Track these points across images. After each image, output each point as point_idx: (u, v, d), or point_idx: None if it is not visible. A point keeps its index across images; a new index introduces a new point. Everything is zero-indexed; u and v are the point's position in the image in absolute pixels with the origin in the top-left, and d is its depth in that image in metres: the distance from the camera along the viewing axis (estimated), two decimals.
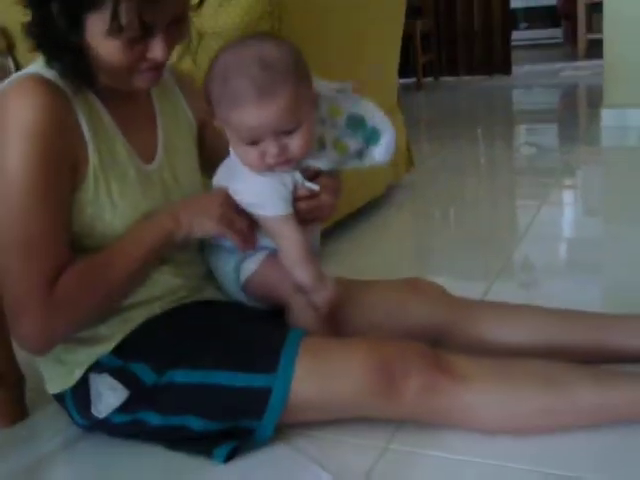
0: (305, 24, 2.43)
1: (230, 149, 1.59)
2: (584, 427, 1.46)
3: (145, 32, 1.38)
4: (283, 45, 1.51)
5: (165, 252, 1.56)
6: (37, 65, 1.47)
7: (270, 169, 1.52)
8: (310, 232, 1.64)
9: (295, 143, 1.50)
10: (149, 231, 1.52)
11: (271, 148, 1.49)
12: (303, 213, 1.57)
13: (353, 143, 1.61)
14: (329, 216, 1.66)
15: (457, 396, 1.44)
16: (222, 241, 1.60)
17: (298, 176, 1.55)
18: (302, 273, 1.55)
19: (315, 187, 1.57)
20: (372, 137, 1.62)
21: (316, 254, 1.69)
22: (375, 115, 1.62)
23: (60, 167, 1.43)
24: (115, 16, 1.32)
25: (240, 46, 1.50)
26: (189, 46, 1.64)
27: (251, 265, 1.63)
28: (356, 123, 1.61)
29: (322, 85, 1.58)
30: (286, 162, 1.51)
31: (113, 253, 1.49)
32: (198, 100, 1.73)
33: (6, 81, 1.46)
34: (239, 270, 1.63)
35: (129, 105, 1.58)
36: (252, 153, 1.50)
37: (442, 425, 1.50)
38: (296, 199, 1.56)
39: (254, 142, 1.49)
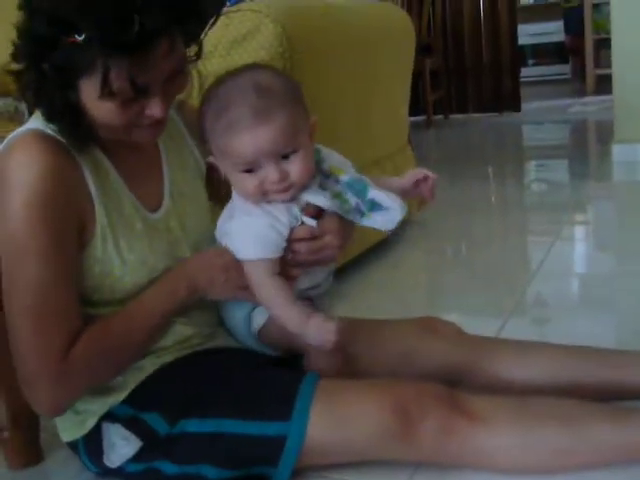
0: (316, 64, 2.45)
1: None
2: (604, 466, 1.44)
3: (139, 94, 1.34)
4: (278, 72, 1.54)
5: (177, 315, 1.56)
6: (38, 120, 1.44)
7: (267, 198, 1.49)
8: (307, 274, 1.58)
9: (294, 168, 1.47)
10: (164, 298, 1.51)
11: (271, 174, 1.46)
12: (303, 255, 1.52)
13: (354, 200, 1.56)
14: (333, 259, 1.60)
15: (475, 438, 1.43)
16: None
17: (296, 210, 1.51)
18: (287, 322, 1.49)
19: (312, 223, 1.52)
20: (372, 206, 1.57)
21: (320, 295, 1.66)
22: (380, 194, 1.57)
23: (67, 230, 1.41)
24: (105, 82, 1.29)
25: (234, 75, 1.49)
26: (200, 88, 1.61)
27: (263, 314, 1.59)
28: (358, 188, 1.56)
29: (326, 151, 1.60)
30: (285, 190, 1.48)
31: (127, 322, 1.48)
32: None
33: (8, 137, 1.44)
34: (250, 320, 1.60)
35: (134, 154, 1.55)
36: (250, 181, 1.47)
37: (459, 466, 1.49)
38: (294, 240, 1.51)
39: (251, 169, 1.47)
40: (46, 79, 1.33)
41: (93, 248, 1.46)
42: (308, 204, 1.53)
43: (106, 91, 1.30)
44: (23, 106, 2.41)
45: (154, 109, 1.39)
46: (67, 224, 1.41)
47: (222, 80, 1.49)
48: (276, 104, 1.44)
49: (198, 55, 1.45)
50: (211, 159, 1.54)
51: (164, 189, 1.61)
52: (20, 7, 1.32)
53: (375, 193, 1.56)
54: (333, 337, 1.44)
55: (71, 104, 1.36)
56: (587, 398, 1.54)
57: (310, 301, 1.62)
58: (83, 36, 1.26)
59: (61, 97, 1.35)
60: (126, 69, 1.29)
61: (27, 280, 1.39)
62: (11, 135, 1.45)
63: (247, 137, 1.43)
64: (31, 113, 1.52)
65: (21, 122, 1.57)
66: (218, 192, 1.71)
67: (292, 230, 1.51)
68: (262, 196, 1.49)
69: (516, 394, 1.56)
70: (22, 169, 1.37)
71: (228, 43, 2.26)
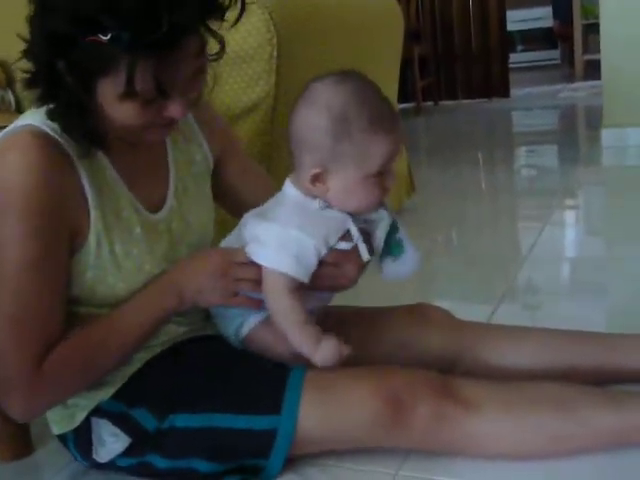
0: (303, 51, 2.44)
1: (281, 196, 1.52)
2: (599, 451, 1.44)
3: (162, 94, 1.29)
4: None
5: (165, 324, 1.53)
6: (36, 115, 1.38)
7: (377, 207, 1.49)
8: (316, 296, 1.55)
9: (394, 172, 1.48)
10: (150, 309, 1.47)
11: (390, 177, 1.45)
12: (323, 279, 1.48)
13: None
14: (345, 288, 1.55)
15: (467, 424, 1.42)
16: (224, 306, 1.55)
17: (355, 231, 1.48)
18: (296, 341, 1.45)
19: (366, 255, 1.49)
20: (396, 247, 1.55)
21: (321, 312, 1.62)
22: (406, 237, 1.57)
23: (57, 237, 1.37)
24: (130, 81, 1.23)
25: (350, 77, 1.45)
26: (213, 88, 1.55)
27: (249, 326, 1.55)
28: (394, 226, 1.55)
29: None
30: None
31: (108, 330, 1.45)
32: (217, 132, 1.69)
33: (4, 131, 1.39)
34: (239, 330, 1.56)
35: (136, 152, 1.50)
36: (375, 187, 1.45)
37: (453, 453, 1.48)
38: (321, 262, 1.46)
39: (381, 173, 1.44)
40: (58, 77, 1.27)
41: (85, 254, 1.42)
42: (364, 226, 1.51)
43: (129, 92, 1.25)
44: (10, 96, 2.40)
45: (174, 110, 1.34)
46: (59, 233, 1.37)
47: (338, 78, 1.44)
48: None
49: (219, 54, 1.38)
50: (317, 170, 1.44)
51: (168, 188, 1.57)
52: (31, 0, 1.27)
53: (403, 234, 1.57)
54: (340, 361, 1.43)
55: (82, 103, 1.30)
56: (581, 382, 1.53)
57: (312, 314, 1.54)
58: (109, 35, 1.20)
59: (73, 96, 1.29)
60: (152, 70, 1.24)
61: (10, 286, 1.36)
62: (8, 129, 1.39)
63: (395, 134, 1.43)
64: (18, 103, 1.49)
65: (8, 111, 1.55)
66: (223, 193, 1.70)
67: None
68: (376, 206, 1.49)
69: (510, 379, 1.55)
70: (17, 173, 1.32)
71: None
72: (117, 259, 1.44)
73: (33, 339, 1.37)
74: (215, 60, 1.39)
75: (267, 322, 1.52)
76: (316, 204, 1.47)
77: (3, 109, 2.24)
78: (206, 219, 1.65)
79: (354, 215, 1.48)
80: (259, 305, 1.50)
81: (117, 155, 1.46)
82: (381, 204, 1.52)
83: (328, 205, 1.47)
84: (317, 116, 1.42)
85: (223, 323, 1.59)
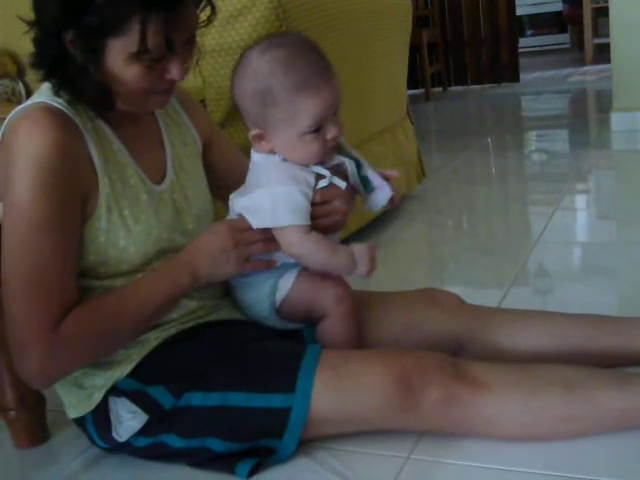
0: (312, 38, 2.44)
1: (254, 164, 1.60)
2: (608, 432, 1.46)
3: (170, 51, 1.38)
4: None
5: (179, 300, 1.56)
6: (44, 94, 1.45)
7: (326, 155, 1.56)
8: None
9: (339, 123, 1.54)
10: (164, 285, 1.51)
11: (332, 129, 1.52)
12: (319, 220, 1.56)
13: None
14: (342, 225, 1.63)
15: (477, 406, 1.44)
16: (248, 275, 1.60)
17: (322, 170, 1.56)
18: (338, 264, 1.54)
19: (342, 184, 1.57)
20: (367, 184, 1.64)
21: None
22: (373, 174, 1.65)
23: (71, 202, 1.42)
24: (143, 38, 1.31)
25: (280, 40, 1.55)
26: (198, 63, 1.64)
27: (287, 284, 1.61)
28: (359, 165, 1.64)
29: None
30: (333, 146, 1.56)
31: (123, 302, 1.48)
32: (201, 118, 1.76)
33: (13, 111, 1.46)
34: (275, 293, 1.61)
35: (136, 127, 1.57)
36: (315, 142, 1.52)
37: (464, 434, 1.50)
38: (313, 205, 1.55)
39: (318, 128, 1.51)
40: (64, 46, 1.35)
41: (97, 219, 1.46)
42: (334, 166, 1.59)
43: (141, 49, 1.32)
44: (21, 87, 2.41)
45: (174, 72, 1.41)
46: (71, 197, 1.42)
47: (270, 47, 1.51)
48: (329, 62, 1.52)
49: (210, 19, 1.48)
50: (256, 131, 1.54)
51: (167, 162, 1.62)
52: None
53: (369, 171, 1.64)
54: (376, 263, 1.53)
55: (89, 72, 1.37)
56: (591, 365, 1.54)
57: None
58: None
59: (81, 66, 1.36)
60: (162, 25, 1.32)
61: (26, 249, 1.40)
62: (18, 108, 1.46)
63: (325, 91, 1.49)
64: (29, 94, 1.53)
65: (19, 103, 1.58)
66: (208, 176, 1.74)
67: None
68: (324, 156, 1.55)
69: (519, 362, 1.56)
70: (30, 142, 1.38)
71: (224, 18, 2.25)
72: (127, 223, 1.49)
73: (49, 300, 1.41)
74: (206, 25, 1.48)
75: (302, 276, 1.60)
76: (277, 158, 1.56)
77: (14, 100, 2.26)
78: (204, 196, 1.69)
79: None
80: (272, 265, 1.59)
81: (120, 127, 1.53)
82: (335, 151, 1.59)
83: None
84: (246, 84, 1.52)
85: (251, 292, 1.63)
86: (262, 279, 1.61)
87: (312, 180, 1.55)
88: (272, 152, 1.56)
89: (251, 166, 1.61)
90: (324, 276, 1.60)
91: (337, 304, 1.59)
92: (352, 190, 1.62)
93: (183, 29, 1.38)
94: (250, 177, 1.61)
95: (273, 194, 1.52)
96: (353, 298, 1.63)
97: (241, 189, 1.61)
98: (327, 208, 1.56)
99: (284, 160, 1.56)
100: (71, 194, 1.42)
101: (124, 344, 1.52)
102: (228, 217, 1.64)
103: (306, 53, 1.52)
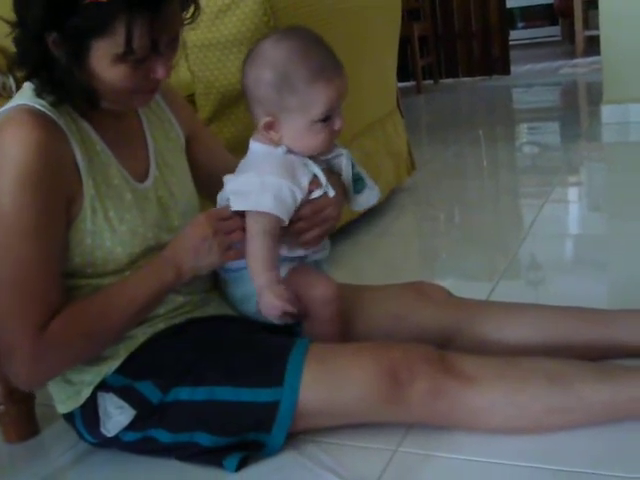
0: None
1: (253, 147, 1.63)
2: (593, 424, 1.46)
3: (155, 52, 1.38)
4: None
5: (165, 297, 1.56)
6: (25, 95, 1.45)
7: (330, 146, 1.62)
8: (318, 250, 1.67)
9: (342, 115, 1.59)
10: (149, 283, 1.51)
11: (338, 120, 1.57)
12: (312, 227, 1.59)
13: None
14: (333, 228, 1.66)
15: (464, 398, 1.45)
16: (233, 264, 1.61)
17: (321, 174, 1.59)
18: (255, 280, 1.53)
19: (332, 193, 1.60)
20: (359, 182, 1.70)
21: (323, 263, 1.72)
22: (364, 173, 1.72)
23: (54, 207, 1.42)
24: (129, 39, 1.31)
25: (292, 32, 1.61)
26: (187, 58, 1.64)
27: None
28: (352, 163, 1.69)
29: None
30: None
31: (109, 302, 1.49)
32: (185, 113, 1.77)
33: None
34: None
35: (118, 124, 1.57)
36: (323, 131, 1.57)
37: (451, 427, 1.51)
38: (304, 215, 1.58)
39: (327, 118, 1.55)
40: (48, 51, 1.35)
41: (82, 221, 1.46)
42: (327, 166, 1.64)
43: (127, 50, 1.33)
44: (11, 82, 2.40)
45: (160, 71, 1.42)
46: (54, 202, 1.42)
47: (284, 38, 1.56)
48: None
49: (194, 17, 1.48)
50: (268, 119, 1.57)
51: (150, 159, 1.62)
52: None
53: (361, 171, 1.70)
54: (275, 315, 1.52)
55: (73, 73, 1.37)
56: (579, 358, 1.55)
57: (317, 265, 1.70)
58: None
59: (64, 68, 1.36)
60: (147, 27, 1.33)
61: (9, 253, 1.40)
62: (1, 109, 1.45)
63: (337, 82, 1.55)
64: (19, 89, 1.52)
65: (9, 97, 1.57)
66: (192, 171, 1.74)
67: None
68: (329, 146, 1.61)
69: (506, 354, 1.57)
70: (13, 146, 1.38)
71: (212, 13, 2.25)
72: (112, 223, 1.49)
73: (35, 305, 1.41)
74: (190, 24, 1.49)
75: (292, 273, 1.61)
76: (280, 150, 1.59)
77: (5, 95, 2.25)
78: (189, 191, 1.70)
79: (314, 157, 1.61)
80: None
81: (102, 126, 1.53)
82: (334, 144, 1.65)
83: (290, 150, 1.60)
84: (262, 72, 1.55)
85: (242, 288, 1.64)
86: (245, 281, 1.61)
87: (306, 184, 1.57)
88: (278, 143, 1.59)
89: (248, 154, 1.64)
90: (315, 276, 1.62)
91: (324, 305, 1.60)
92: (342, 189, 1.66)
93: (168, 29, 1.38)
94: (245, 164, 1.63)
95: (263, 181, 1.54)
96: (341, 298, 1.63)
97: (231, 174, 1.62)
98: (318, 219, 1.59)
99: (287, 153, 1.58)
100: (54, 199, 1.42)
101: (113, 343, 1.52)
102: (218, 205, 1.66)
103: (318, 45, 1.57)
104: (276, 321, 1.59)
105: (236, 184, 1.58)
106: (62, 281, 1.47)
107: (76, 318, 1.45)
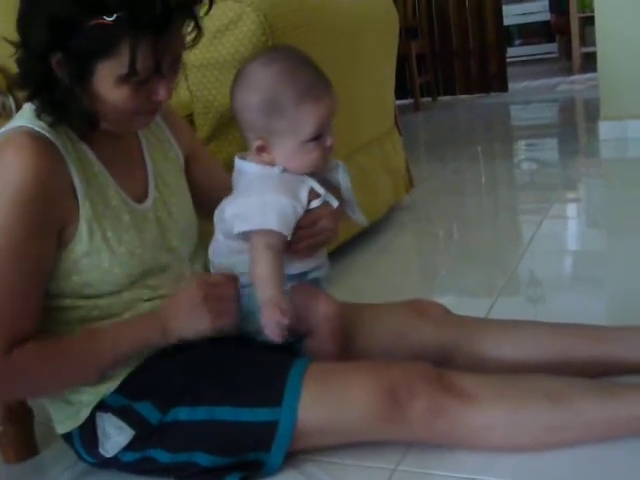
0: None
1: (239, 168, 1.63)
2: (594, 442, 1.46)
3: (158, 73, 1.39)
4: None
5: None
6: (26, 116, 1.45)
7: (324, 164, 1.61)
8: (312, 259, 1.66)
9: (332, 132, 1.60)
10: (135, 337, 1.51)
11: (328, 139, 1.58)
12: (309, 239, 1.59)
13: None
14: (330, 240, 1.65)
15: (463, 417, 1.44)
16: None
17: (318, 186, 1.59)
18: (259, 292, 1.54)
19: (335, 203, 1.62)
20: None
21: (323, 281, 1.71)
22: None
23: (42, 230, 1.41)
24: (133, 61, 1.32)
25: (278, 53, 1.64)
26: (186, 78, 1.64)
27: None
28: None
29: None
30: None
31: (85, 348, 1.48)
32: (184, 133, 1.78)
33: None
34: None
35: (117, 145, 1.57)
36: (315, 150, 1.57)
37: (451, 445, 1.50)
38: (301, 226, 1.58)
39: (318, 136, 1.56)
40: (51, 72, 1.35)
41: (77, 243, 1.46)
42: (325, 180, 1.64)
43: (131, 71, 1.33)
44: (11, 102, 2.41)
45: (162, 92, 1.43)
46: (44, 231, 1.42)
47: (271, 59, 1.57)
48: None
49: (196, 40, 1.47)
50: (259, 142, 1.58)
51: (149, 179, 1.62)
52: None
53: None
54: (278, 333, 1.50)
55: (75, 95, 1.38)
56: (577, 375, 1.55)
57: (316, 284, 1.68)
58: (114, 16, 1.28)
59: (67, 89, 1.37)
60: (151, 48, 1.33)
61: None
62: (1, 132, 1.45)
63: (326, 100, 1.56)
64: (19, 109, 1.52)
65: (9, 117, 1.57)
66: (194, 190, 1.75)
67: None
68: (323, 164, 1.61)
69: (506, 372, 1.57)
70: (11, 171, 1.38)
71: (210, 34, 2.26)
72: (110, 244, 1.49)
73: (2, 329, 1.39)
74: (192, 47, 1.48)
75: (294, 291, 1.60)
76: (276, 170, 1.59)
77: (4, 115, 2.25)
78: (188, 211, 1.70)
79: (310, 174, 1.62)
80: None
81: (100, 147, 1.53)
82: (328, 159, 1.65)
83: (285, 169, 1.60)
84: (250, 96, 1.57)
85: (243, 306, 1.62)
86: (254, 292, 1.59)
87: (305, 199, 1.57)
88: (272, 163, 1.59)
89: (241, 176, 1.64)
90: (316, 293, 1.62)
91: (325, 322, 1.60)
92: (342, 201, 1.66)
93: (171, 51, 1.39)
94: (240, 186, 1.63)
95: (264, 201, 1.54)
96: (342, 315, 1.63)
97: (230, 198, 1.62)
98: (315, 230, 1.59)
99: (283, 172, 1.59)
100: (45, 228, 1.42)
101: (87, 383, 1.51)
102: (213, 241, 1.66)
103: (305, 64, 1.57)
104: (277, 340, 1.59)
105: (237, 207, 1.58)
106: (38, 306, 1.45)
107: (47, 353, 1.45)
